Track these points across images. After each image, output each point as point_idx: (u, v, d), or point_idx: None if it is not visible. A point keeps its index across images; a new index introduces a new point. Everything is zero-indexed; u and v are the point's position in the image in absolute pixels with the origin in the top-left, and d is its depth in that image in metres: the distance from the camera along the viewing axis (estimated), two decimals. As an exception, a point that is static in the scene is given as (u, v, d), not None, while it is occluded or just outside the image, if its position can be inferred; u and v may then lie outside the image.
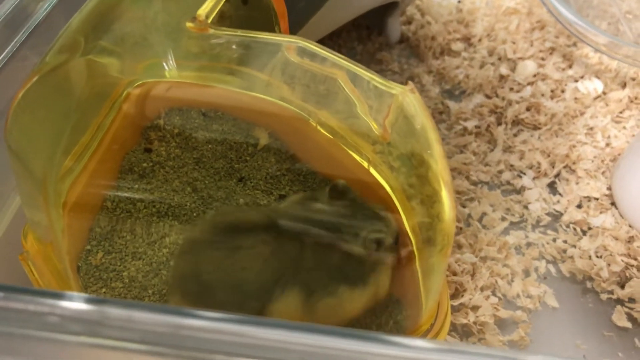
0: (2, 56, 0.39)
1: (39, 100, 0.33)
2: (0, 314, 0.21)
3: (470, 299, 0.43)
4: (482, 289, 0.44)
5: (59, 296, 0.22)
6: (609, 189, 0.52)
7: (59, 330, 0.20)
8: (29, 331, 0.20)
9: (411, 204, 0.36)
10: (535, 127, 0.57)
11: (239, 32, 0.34)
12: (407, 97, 0.33)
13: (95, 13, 0.37)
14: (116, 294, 0.38)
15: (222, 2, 0.35)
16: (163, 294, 0.38)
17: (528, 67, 0.62)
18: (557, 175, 0.53)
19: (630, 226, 0.49)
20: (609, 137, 0.56)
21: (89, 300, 0.22)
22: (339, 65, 0.35)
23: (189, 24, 0.33)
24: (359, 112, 0.35)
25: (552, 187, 0.53)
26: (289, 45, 0.36)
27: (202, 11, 0.33)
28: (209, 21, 0.33)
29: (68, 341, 0.20)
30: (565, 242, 0.48)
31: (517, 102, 0.59)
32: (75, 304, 0.22)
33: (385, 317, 0.38)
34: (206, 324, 0.22)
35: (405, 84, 0.34)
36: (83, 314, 0.22)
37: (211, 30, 0.33)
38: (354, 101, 0.35)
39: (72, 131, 0.36)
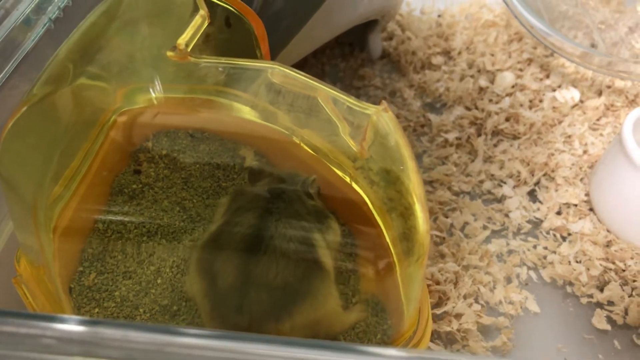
0: (-8, 86, 0.40)
1: (28, 129, 0.34)
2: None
3: (454, 307, 0.44)
4: (465, 297, 0.45)
5: (52, 319, 0.23)
6: (587, 195, 0.53)
7: (53, 352, 0.21)
8: (24, 353, 0.22)
9: (390, 217, 0.37)
10: (515, 137, 0.59)
11: (221, 60, 0.36)
12: (381, 117, 0.34)
13: (81, 42, 0.39)
14: (109, 314, 0.39)
15: (202, 30, 0.36)
16: (153, 313, 0.39)
17: (507, 79, 0.64)
18: (537, 183, 0.55)
19: (608, 231, 0.50)
20: (586, 144, 0.57)
21: (81, 322, 0.23)
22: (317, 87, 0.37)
23: (169, 53, 0.34)
24: (339, 131, 0.36)
25: (532, 195, 0.54)
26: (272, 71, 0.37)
27: (182, 40, 0.34)
28: (189, 49, 0.35)
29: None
30: (545, 248, 0.50)
31: (497, 113, 0.60)
32: (68, 325, 0.23)
33: (374, 326, 0.39)
34: (195, 341, 0.23)
35: (386, 99, 0.36)
36: (76, 335, 0.23)
37: (191, 59, 0.35)
38: (334, 121, 0.36)
39: (61, 157, 0.37)
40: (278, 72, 0.37)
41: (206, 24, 0.37)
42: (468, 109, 0.61)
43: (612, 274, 0.47)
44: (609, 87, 0.63)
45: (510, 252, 0.49)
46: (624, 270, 0.47)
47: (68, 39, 0.38)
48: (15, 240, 0.39)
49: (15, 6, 0.42)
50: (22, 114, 0.33)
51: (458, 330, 0.43)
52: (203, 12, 0.36)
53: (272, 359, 0.24)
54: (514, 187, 0.54)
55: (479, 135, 0.59)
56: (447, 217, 0.52)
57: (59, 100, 0.36)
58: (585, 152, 0.57)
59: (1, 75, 0.42)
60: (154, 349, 0.23)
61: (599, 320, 0.45)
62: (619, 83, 0.62)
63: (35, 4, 0.43)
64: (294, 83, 0.37)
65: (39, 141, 0.35)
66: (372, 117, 0.34)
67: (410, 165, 0.33)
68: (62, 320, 0.23)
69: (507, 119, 0.60)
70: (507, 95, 0.62)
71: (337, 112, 0.36)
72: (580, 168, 0.56)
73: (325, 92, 0.36)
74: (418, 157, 0.57)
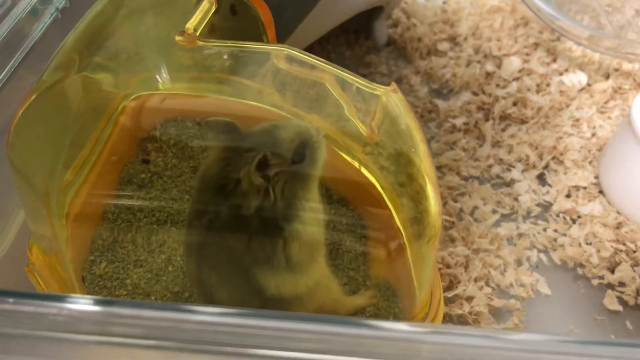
0: (1, 76, 0.41)
1: (38, 117, 0.34)
2: (11, 317, 0.22)
3: (465, 290, 0.44)
4: (475, 280, 0.45)
5: (66, 299, 0.24)
6: (596, 177, 0.53)
7: (68, 330, 0.22)
8: (40, 332, 0.22)
9: (401, 201, 0.37)
10: (523, 121, 0.59)
11: (228, 43, 0.36)
12: (391, 98, 0.34)
13: (88, 31, 0.39)
14: (121, 301, 0.39)
15: (210, 15, 0.36)
16: (165, 300, 0.39)
17: (513, 63, 0.63)
18: (546, 166, 0.55)
19: (618, 212, 0.50)
20: (594, 127, 0.57)
21: (96, 302, 0.24)
22: (325, 70, 0.37)
23: (178, 38, 0.34)
24: (347, 115, 0.36)
25: (541, 179, 0.54)
26: (277, 53, 0.37)
27: (190, 24, 0.34)
28: (197, 34, 0.35)
29: (76, 340, 0.22)
30: (555, 231, 0.50)
31: (504, 98, 0.60)
32: (83, 306, 0.23)
33: (385, 310, 0.39)
34: (206, 318, 0.23)
35: (391, 84, 0.35)
36: (91, 315, 0.23)
37: (200, 43, 0.35)
38: (342, 104, 0.36)
39: (71, 145, 0.37)
40: (285, 56, 0.37)
41: (214, 8, 0.37)
42: (475, 94, 0.61)
43: (623, 255, 0.47)
44: (616, 70, 0.62)
45: (520, 235, 0.49)
46: (634, 252, 0.47)
47: (75, 28, 0.38)
48: (26, 230, 0.39)
49: (22, -4, 0.42)
50: (32, 102, 0.33)
51: (469, 313, 0.43)
52: (211, -4, 0.36)
53: (285, 333, 0.24)
54: (523, 171, 0.54)
55: (487, 120, 0.59)
56: (456, 201, 0.51)
57: (68, 87, 0.36)
58: (593, 135, 0.57)
59: (9, 66, 0.42)
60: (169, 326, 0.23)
61: (610, 302, 0.45)
62: (626, 66, 0.62)
63: (42, -7, 0.43)
64: (300, 68, 0.37)
65: (49, 129, 0.36)
66: (382, 98, 0.34)
67: (422, 147, 0.33)
68: (77, 301, 0.24)
69: (514, 104, 0.60)
70: (514, 79, 0.62)
71: (345, 95, 0.36)
72: (589, 151, 0.55)
73: (332, 76, 0.36)
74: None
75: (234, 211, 0.34)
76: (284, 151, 0.34)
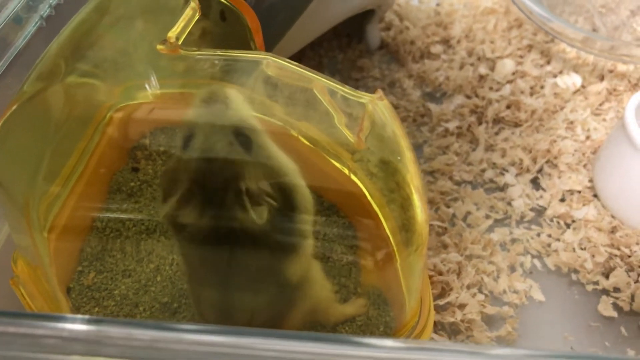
0: (-16, 86, 0.40)
1: (19, 128, 0.34)
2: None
3: (457, 297, 0.44)
4: (468, 287, 0.45)
5: (55, 318, 0.23)
6: (591, 181, 0.52)
7: (56, 351, 0.21)
8: (26, 354, 0.21)
9: (390, 208, 0.37)
10: (516, 125, 0.58)
11: (210, 52, 0.35)
12: (377, 106, 0.33)
13: (73, 38, 0.38)
14: (108, 313, 0.39)
15: (193, 23, 0.36)
16: (153, 310, 0.39)
17: (507, 66, 0.63)
18: (540, 170, 0.54)
19: (612, 217, 0.50)
20: (588, 130, 0.57)
21: (84, 321, 0.23)
22: (312, 78, 0.36)
23: (159, 47, 0.34)
24: (335, 122, 0.36)
25: (534, 183, 0.53)
26: (267, 62, 0.37)
27: (172, 33, 0.34)
28: (179, 42, 0.34)
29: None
30: (549, 236, 0.49)
31: (497, 101, 0.59)
32: (71, 325, 0.23)
33: (376, 319, 0.38)
34: (199, 337, 0.23)
35: (385, 90, 0.35)
36: (79, 334, 0.22)
37: (182, 52, 0.34)
38: (331, 112, 0.36)
39: (54, 156, 0.37)
40: (272, 64, 0.36)
41: (197, 16, 0.36)
42: (468, 97, 0.61)
43: (618, 260, 0.47)
44: (611, 71, 0.62)
45: (513, 240, 0.49)
46: (629, 256, 0.47)
47: (59, 35, 0.38)
48: (12, 241, 0.39)
49: (4, 4, 0.42)
50: (13, 113, 0.33)
51: (462, 320, 0.43)
52: (194, 4, 0.36)
53: (274, 353, 0.23)
54: (517, 175, 0.54)
55: (480, 123, 0.58)
56: (448, 207, 0.51)
57: (50, 97, 0.35)
58: (587, 137, 0.56)
59: (-6, 75, 0.41)
60: (158, 347, 0.23)
61: (605, 307, 0.44)
62: (621, 67, 0.62)
63: (25, 1, 0.43)
64: (289, 75, 0.37)
65: (29, 139, 0.35)
66: (368, 106, 0.34)
67: (408, 155, 0.33)
68: (64, 320, 0.23)
69: (508, 107, 0.59)
70: (507, 82, 0.62)
71: (334, 103, 0.35)
72: (583, 154, 0.55)
73: (321, 83, 0.36)
74: (418, 147, 0.56)
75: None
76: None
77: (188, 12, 0.35)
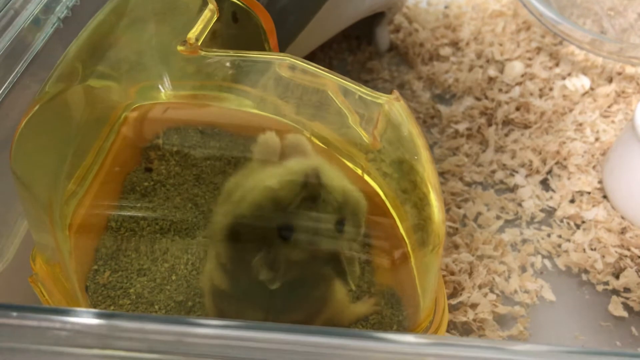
0: (4, 86, 0.41)
1: (41, 128, 0.34)
2: (15, 331, 0.22)
3: (469, 297, 0.44)
4: (480, 287, 0.45)
5: (70, 313, 0.24)
6: (600, 182, 0.53)
7: (71, 344, 0.22)
8: (43, 347, 0.22)
9: (404, 208, 0.37)
10: (526, 126, 0.58)
11: (230, 53, 0.36)
12: (393, 106, 0.34)
13: (91, 40, 0.39)
14: (124, 311, 0.39)
15: (212, 25, 0.36)
16: (169, 309, 0.39)
17: (516, 68, 0.63)
18: (549, 171, 0.55)
19: (622, 217, 0.50)
20: (597, 131, 0.57)
21: (99, 315, 0.23)
22: (327, 78, 0.37)
23: (179, 47, 0.34)
24: (350, 123, 0.36)
25: (544, 184, 0.54)
26: (280, 62, 0.37)
27: (192, 34, 0.34)
28: (199, 43, 0.35)
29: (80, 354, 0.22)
30: (559, 236, 0.49)
31: (507, 103, 0.60)
32: (86, 319, 0.23)
33: (389, 318, 0.39)
34: (211, 331, 0.23)
35: (393, 92, 0.35)
36: (94, 328, 0.23)
37: (202, 52, 0.35)
38: (345, 112, 0.36)
39: (73, 155, 0.37)
40: (287, 64, 0.37)
41: (215, 17, 0.37)
42: (478, 99, 0.61)
43: (628, 260, 0.47)
44: (619, 73, 0.62)
45: (524, 241, 0.49)
46: (639, 257, 0.47)
47: (77, 38, 0.38)
48: (29, 240, 0.39)
49: (24, 6, 0.42)
50: (35, 112, 0.33)
51: (474, 320, 0.43)
52: (212, 6, 0.36)
53: (289, 346, 0.24)
54: (526, 176, 0.54)
55: (490, 125, 0.58)
56: (459, 207, 0.51)
57: (70, 98, 0.36)
58: (597, 139, 0.56)
59: (12, 75, 0.42)
60: (172, 340, 0.23)
61: (616, 308, 0.45)
62: (629, 69, 0.62)
63: (44, 3, 0.43)
64: (303, 76, 0.37)
65: (52, 139, 0.36)
66: (384, 106, 0.34)
67: (424, 154, 0.33)
68: (80, 314, 0.24)
69: (517, 108, 0.60)
70: (516, 84, 0.62)
71: (348, 103, 0.36)
72: (593, 155, 0.55)
73: (335, 84, 0.36)
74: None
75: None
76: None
77: (207, 13, 0.36)
